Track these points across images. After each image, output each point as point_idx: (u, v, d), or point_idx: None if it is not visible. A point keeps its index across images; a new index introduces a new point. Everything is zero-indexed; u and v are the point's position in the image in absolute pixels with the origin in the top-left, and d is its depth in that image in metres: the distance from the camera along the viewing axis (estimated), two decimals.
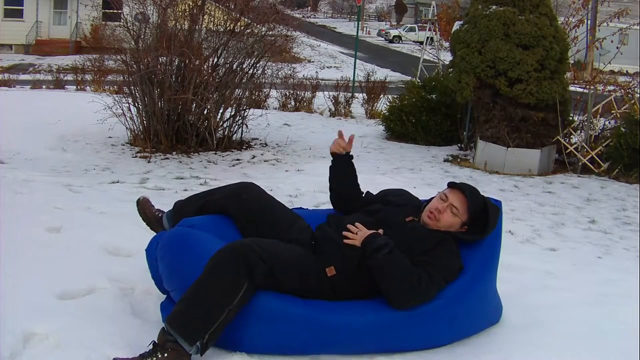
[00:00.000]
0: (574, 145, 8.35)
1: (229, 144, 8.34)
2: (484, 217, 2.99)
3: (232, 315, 2.52)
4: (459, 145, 9.30)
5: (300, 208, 3.59)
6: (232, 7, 8.83)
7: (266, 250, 2.64)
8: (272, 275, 2.61)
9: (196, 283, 2.53)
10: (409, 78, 14.77)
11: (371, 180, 6.49)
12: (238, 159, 7.83)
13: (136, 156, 7.73)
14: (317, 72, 15.27)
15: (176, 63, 8.04)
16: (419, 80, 11.01)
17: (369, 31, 53.16)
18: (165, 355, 2.43)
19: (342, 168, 3.29)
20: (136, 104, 8.13)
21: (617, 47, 10.43)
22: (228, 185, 3.21)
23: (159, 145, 7.98)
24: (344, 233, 2.85)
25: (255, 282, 2.56)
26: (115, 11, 9.58)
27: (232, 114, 8.53)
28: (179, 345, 2.44)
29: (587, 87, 9.18)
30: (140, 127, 8.20)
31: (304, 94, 12.86)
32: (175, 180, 6.64)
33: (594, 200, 6.82)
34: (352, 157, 3.31)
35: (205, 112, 8.16)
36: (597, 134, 8.41)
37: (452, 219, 2.99)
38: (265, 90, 11.00)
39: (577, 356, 2.76)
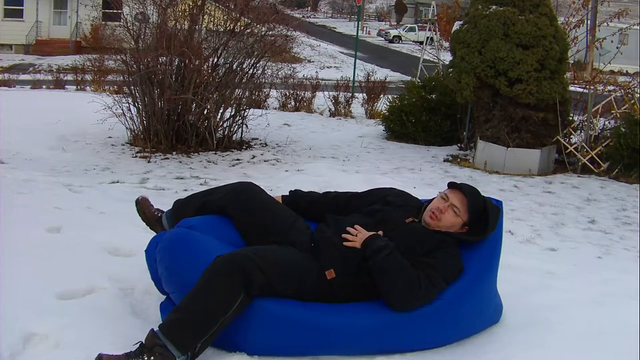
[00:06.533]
0: (574, 145, 8.35)
1: (229, 144, 8.34)
2: (484, 217, 2.99)
3: (226, 324, 2.53)
4: (459, 145, 9.30)
5: None
6: (232, 7, 8.83)
7: (265, 259, 2.63)
8: (269, 285, 2.60)
9: (192, 292, 2.53)
10: (409, 78, 14.77)
11: (371, 180, 6.51)
12: (238, 159, 7.83)
13: (136, 156, 7.73)
14: (317, 72, 15.26)
15: (176, 63, 8.04)
16: (419, 80, 11.00)
17: (369, 31, 53.13)
18: (152, 358, 2.41)
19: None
20: (136, 104, 8.13)
21: (617, 47, 10.43)
22: (227, 185, 3.20)
23: (159, 145, 7.97)
24: (344, 236, 2.85)
25: (251, 293, 2.56)
26: (115, 11, 9.57)
27: (232, 114, 8.53)
28: (167, 351, 2.43)
29: (587, 87, 9.18)
30: (140, 127, 8.19)
31: (304, 94, 12.86)
32: (175, 180, 6.64)
33: (594, 200, 6.81)
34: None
35: (205, 112, 8.16)
36: (597, 134, 8.41)
37: (454, 219, 2.99)
38: (265, 90, 10.99)
39: (577, 356, 2.76)
